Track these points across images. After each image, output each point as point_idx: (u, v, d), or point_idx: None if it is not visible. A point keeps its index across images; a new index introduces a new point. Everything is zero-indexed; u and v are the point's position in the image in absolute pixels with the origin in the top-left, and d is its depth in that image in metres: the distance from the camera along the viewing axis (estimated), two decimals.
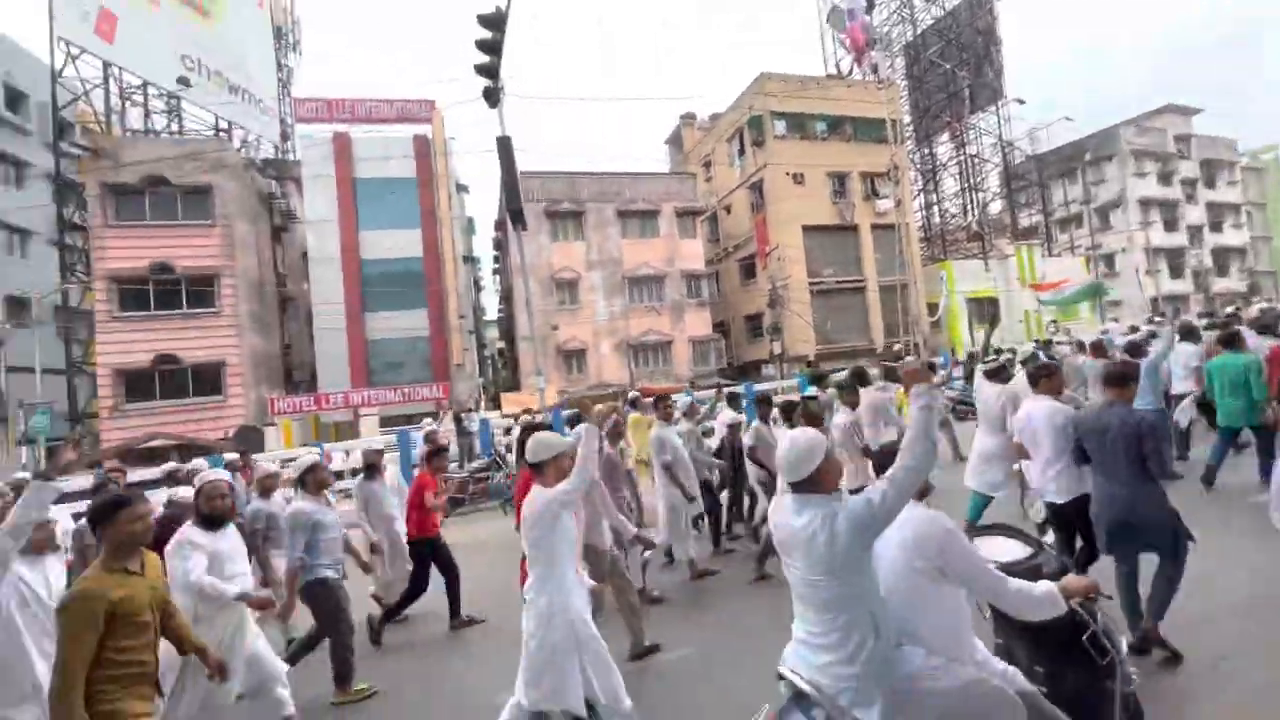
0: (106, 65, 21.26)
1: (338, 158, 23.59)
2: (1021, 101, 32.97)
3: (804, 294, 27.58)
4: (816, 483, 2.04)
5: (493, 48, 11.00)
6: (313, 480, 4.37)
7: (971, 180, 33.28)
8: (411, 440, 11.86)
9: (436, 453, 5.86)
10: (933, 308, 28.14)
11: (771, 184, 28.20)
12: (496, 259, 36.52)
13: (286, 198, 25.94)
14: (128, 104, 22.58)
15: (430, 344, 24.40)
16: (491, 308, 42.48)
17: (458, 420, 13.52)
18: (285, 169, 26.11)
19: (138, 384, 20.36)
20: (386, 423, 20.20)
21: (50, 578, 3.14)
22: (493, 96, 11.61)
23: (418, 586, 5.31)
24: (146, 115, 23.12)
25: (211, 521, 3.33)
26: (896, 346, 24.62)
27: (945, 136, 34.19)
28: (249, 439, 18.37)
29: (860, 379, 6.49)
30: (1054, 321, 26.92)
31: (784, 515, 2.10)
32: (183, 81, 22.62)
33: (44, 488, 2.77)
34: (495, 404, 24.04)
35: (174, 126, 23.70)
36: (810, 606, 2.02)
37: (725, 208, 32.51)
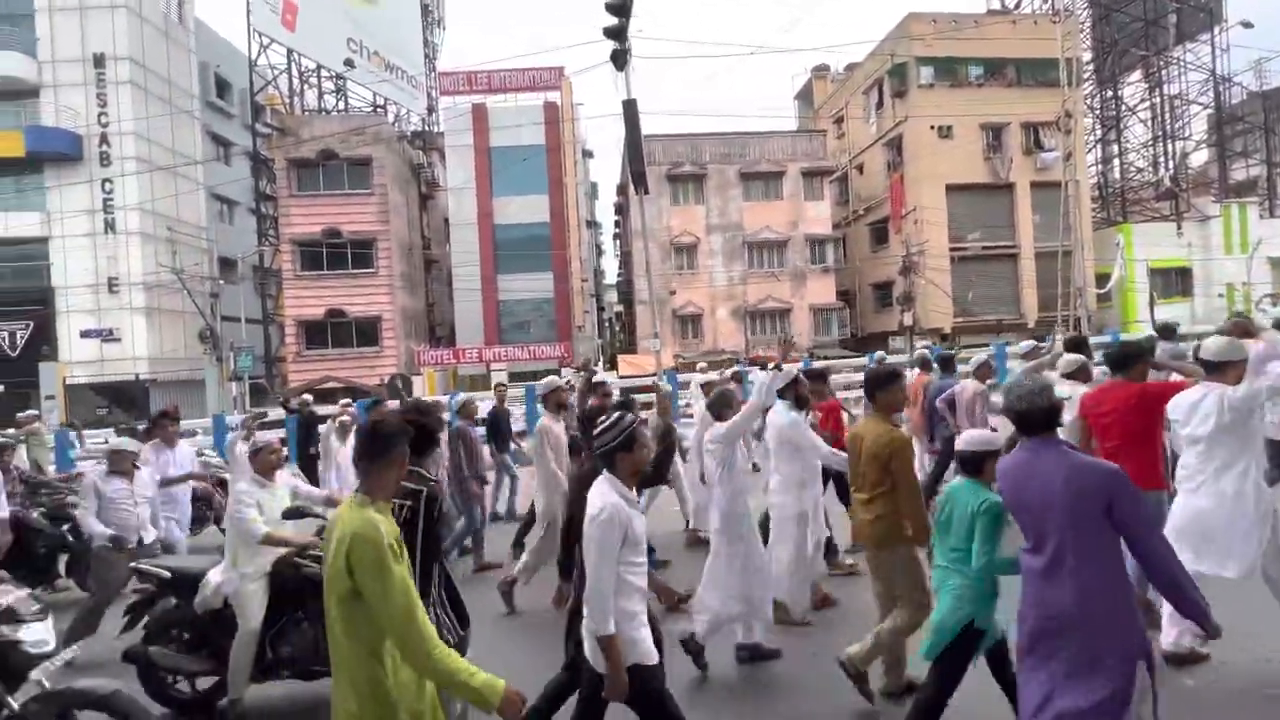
0: (289, 52, 24.13)
1: (475, 127, 25.08)
2: (1248, 25, 26.85)
3: (943, 261, 25.23)
4: None
5: (621, 8, 10.99)
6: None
7: (1168, 127, 28.06)
8: (537, 394, 12.73)
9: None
10: (1103, 279, 24.47)
11: (913, 138, 25.77)
12: (617, 223, 37.20)
13: (431, 167, 28.17)
14: (305, 86, 25.55)
15: (554, 305, 25.65)
16: (611, 271, 43.57)
17: (589, 375, 14.09)
18: (431, 140, 28.28)
19: (314, 334, 23.66)
20: (514, 378, 21.74)
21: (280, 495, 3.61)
22: (620, 59, 11.64)
23: None
24: (320, 96, 26.05)
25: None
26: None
27: (1136, 75, 28.98)
28: (400, 386, 20.75)
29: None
30: (1271, 295, 22.29)
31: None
32: (348, 63, 25.13)
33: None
34: (612, 365, 24.89)
35: (340, 105, 26.49)
36: None
37: (857, 167, 30.32)
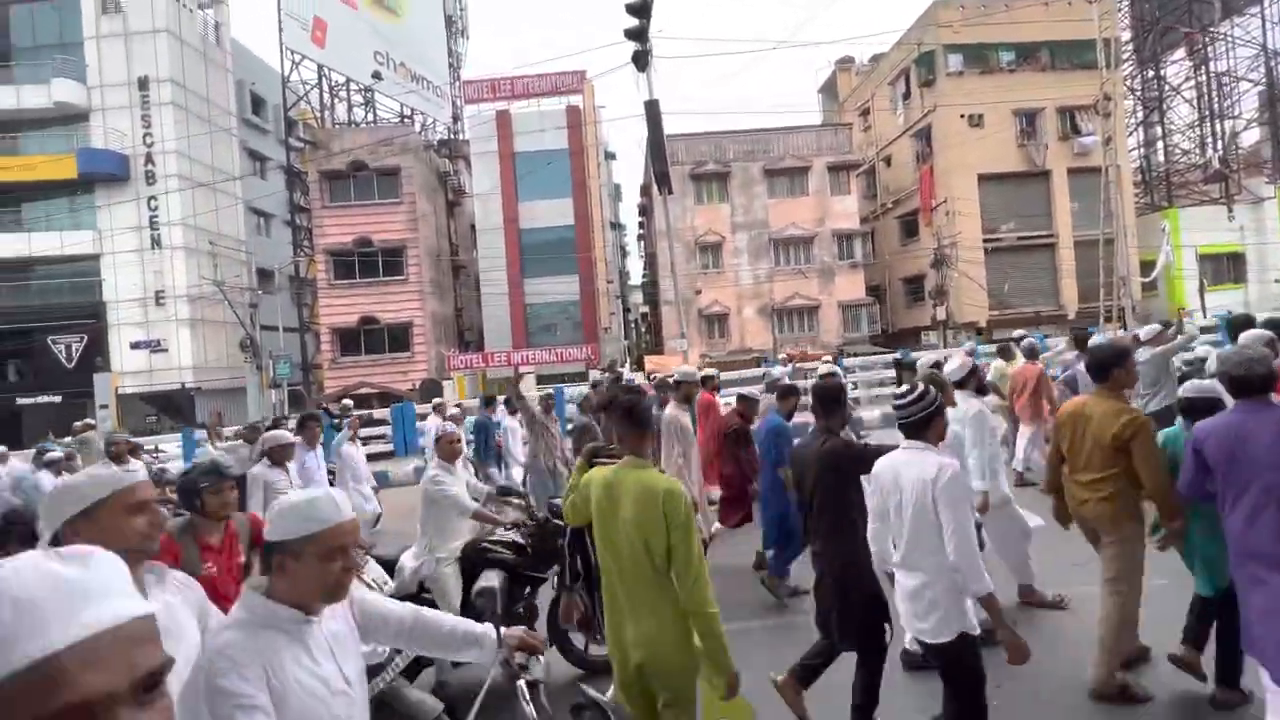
0: (320, 68, 24.83)
1: (500, 134, 25.41)
2: None
3: (977, 252, 24.57)
4: None
5: (641, 9, 11.00)
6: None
7: (1216, 106, 26.81)
8: (566, 395, 12.84)
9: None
10: (1147, 266, 23.49)
11: (942, 128, 25.17)
12: (641, 224, 37.21)
13: (458, 174, 28.63)
14: (335, 100, 26.25)
15: (580, 308, 25.80)
16: (636, 272, 43.61)
17: (617, 377, 14.13)
18: (456, 148, 28.75)
19: (348, 340, 24.27)
20: (542, 380, 21.94)
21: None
22: (641, 60, 11.67)
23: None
24: (349, 109, 26.73)
25: None
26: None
27: (1180, 53, 27.78)
28: (431, 390, 21.13)
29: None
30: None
31: None
32: (376, 76, 25.73)
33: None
34: (639, 366, 24.91)
35: (369, 117, 27.14)
36: None
37: (884, 159, 29.75)
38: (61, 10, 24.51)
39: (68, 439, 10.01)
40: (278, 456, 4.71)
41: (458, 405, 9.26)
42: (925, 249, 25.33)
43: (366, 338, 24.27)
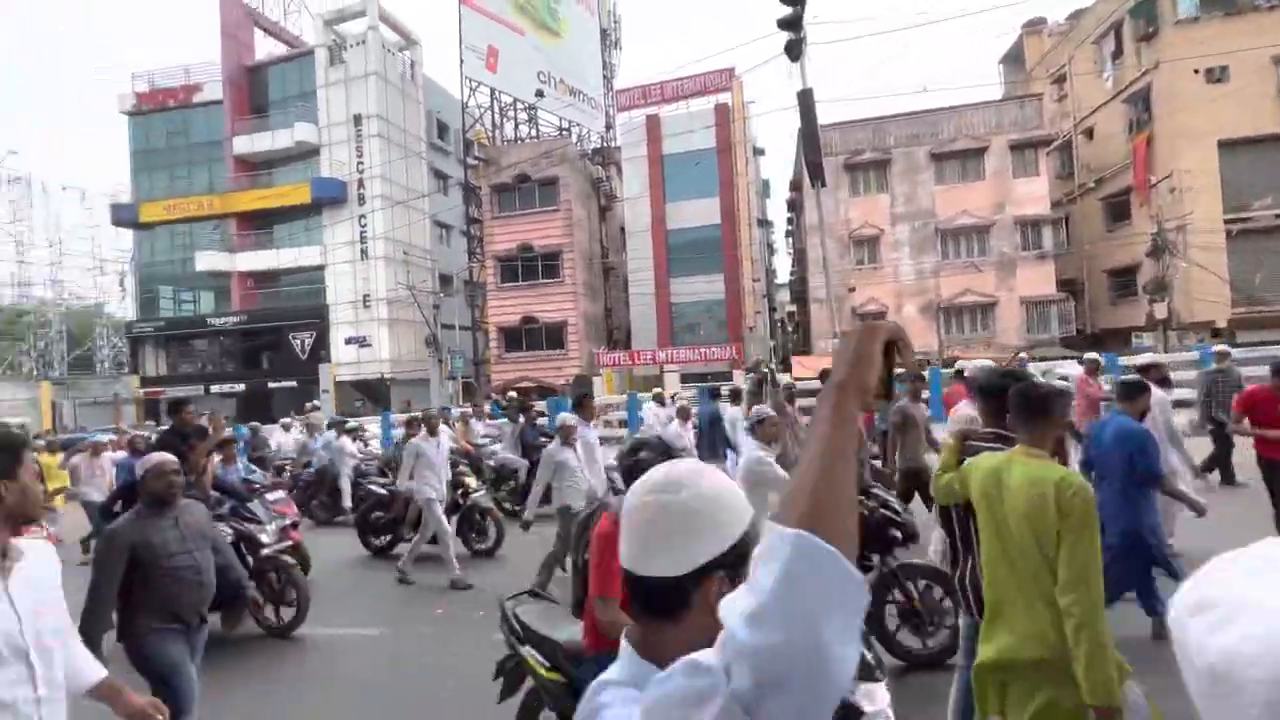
0: (492, 91, 27.50)
1: (649, 138, 26.11)
2: None
3: (1215, 237, 20.12)
4: None
5: None
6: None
7: None
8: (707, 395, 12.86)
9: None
10: None
11: (1167, 88, 20.96)
12: (790, 220, 35.95)
13: (609, 180, 29.96)
14: (504, 119, 28.89)
15: (725, 307, 25.62)
16: (783, 270, 42.23)
17: (769, 376, 13.72)
18: (609, 155, 30.12)
19: (511, 338, 26.59)
20: (685, 379, 22.14)
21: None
22: (794, 49, 11.23)
23: None
24: (515, 126, 29.23)
25: None
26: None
27: None
28: (582, 386, 22.38)
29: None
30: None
31: None
32: (539, 94, 27.87)
33: None
34: (785, 366, 24.07)
35: (532, 132, 29.45)
36: None
37: (1084, 132, 25.52)
38: (301, 66, 29.95)
39: (300, 416, 12.42)
40: (566, 437, 5.23)
41: (673, 396, 9.69)
42: (1140, 235, 21.27)
43: (527, 336, 26.41)
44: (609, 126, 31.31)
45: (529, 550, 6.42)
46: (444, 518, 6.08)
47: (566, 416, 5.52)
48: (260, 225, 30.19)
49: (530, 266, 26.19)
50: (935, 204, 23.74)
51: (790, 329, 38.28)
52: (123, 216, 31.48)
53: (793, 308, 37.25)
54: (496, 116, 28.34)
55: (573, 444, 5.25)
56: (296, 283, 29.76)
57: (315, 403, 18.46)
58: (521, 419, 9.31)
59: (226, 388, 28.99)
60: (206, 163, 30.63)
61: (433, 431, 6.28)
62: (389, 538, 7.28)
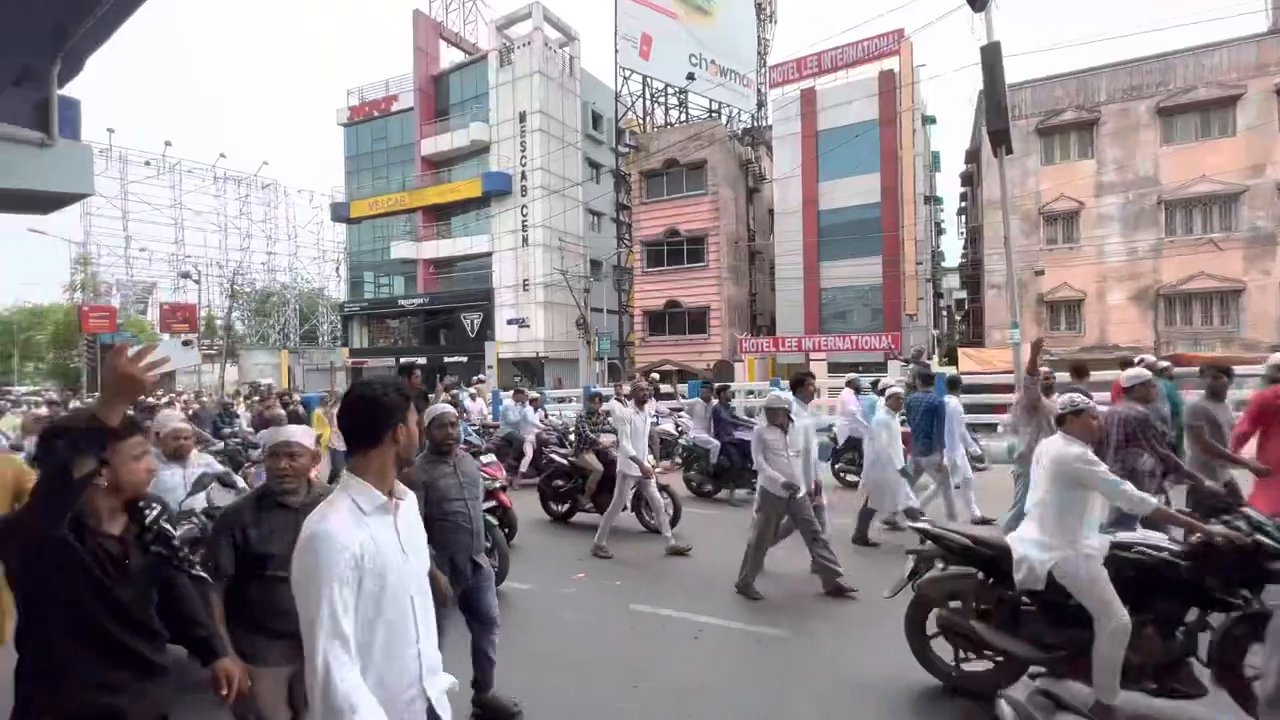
0: (644, 78, 27.94)
1: (803, 114, 24.78)
2: None
3: None
4: None
5: None
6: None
7: None
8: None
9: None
10: None
11: None
12: (963, 197, 32.16)
13: (758, 161, 29.07)
14: (655, 105, 29.25)
15: (881, 292, 23.71)
16: (952, 252, 37.97)
17: (921, 370, 12.53)
18: (759, 135, 29.20)
19: (655, 322, 27.12)
20: (833, 368, 20.94)
21: None
22: None
23: None
24: (665, 111, 29.46)
25: None
26: None
27: None
28: (723, 371, 22.19)
29: None
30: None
31: None
32: (690, 77, 27.76)
33: None
34: (950, 359, 21.74)
35: (681, 116, 29.47)
36: None
37: None
38: (476, 71, 32.88)
39: (471, 388, 13.92)
40: (774, 419, 4.84)
41: (874, 383, 9.17)
42: None
43: (670, 320, 26.75)
44: (760, 105, 30.30)
45: (701, 530, 6.68)
46: (627, 495, 6.17)
47: (779, 396, 5.01)
48: (440, 217, 33.94)
49: (676, 251, 26.40)
50: (1159, 169, 19.66)
51: (959, 318, 34.42)
52: (339, 214, 37.31)
53: (963, 294, 33.40)
54: (647, 103, 28.78)
55: (782, 425, 4.84)
56: (468, 268, 33.08)
57: (481, 376, 20.69)
58: (715, 399, 9.19)
59: (412, 360, 33.34)
60: (400, 164, 35.04)
61: (641, 403, 6.22)
62: (568, 505, 7.50)
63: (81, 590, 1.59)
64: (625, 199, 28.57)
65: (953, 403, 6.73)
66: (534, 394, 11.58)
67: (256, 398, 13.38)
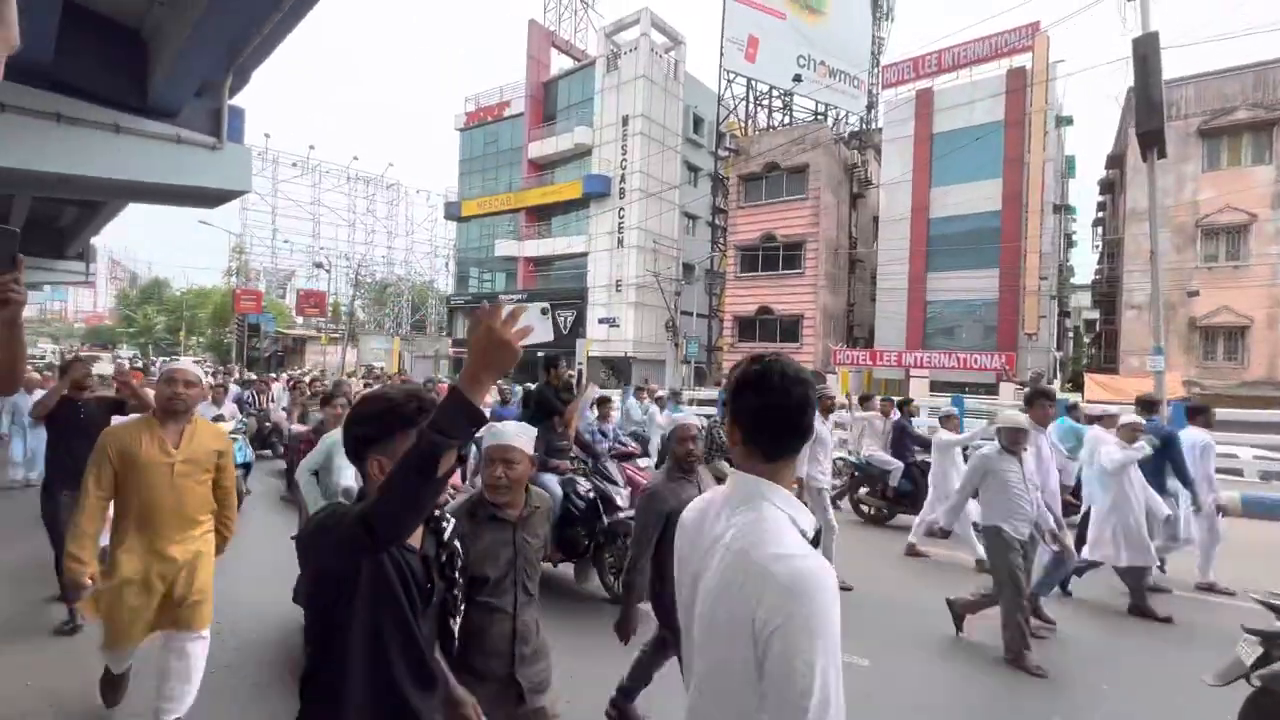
0: (749, 82, 27.56)
1: (918, 116, 23.40)
2: None
3: None
4: None
5: None
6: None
7: None
8: (965, 407, 11.12)
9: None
10: None
11: None
12: (1101, 206, 28.98)
13: (865, 165, 27.79)
14: (758, 108, 28.77)
15: (997, 308, 21.87)
16: (1084, 269, 34.23)
17: (1044, 393, 11.25)
18: (868, 138, 27.91)
19: (745, 328, 26.66)
20: (936, 387, 19.56)
21: None
22: None
23: None
24: (769, 114, 28.90)
25: None
26: None
27: None
28: (816, 382, 21.37)
29: None
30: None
31: None
32: (796, 79, 27.04)
33: None
34: (1075, 385, 19.67)
35: (785, 120, 28.77)
36: None
37: None
38: (584, 76, 33.93)
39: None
40: (1012, 442, 3.96)
41: (1073, 406, 8.12)
42: None
43: (761, 326, 26.19)
44: (870, 106, 28.96)
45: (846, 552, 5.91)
46: (830, 507, 5.45)
47: (1013, 416, 4.05)
48: (541, 218, 35.34)
49: (771, 256, 25.80)
50: None
51: (1088, 340, 31.04)
52: (451, 212, 39.89)
53: (1094, 314, 30.08)
54: (750, 106, 28.36)
55: (1019, 452, 3.97)
56: (565, 267, 34.19)
57: (572, 373, 21.30)
58: (897, 413, 8.05)
59: (555, 353, 34.98)
60: (509, 166, 36.87)
61: (825, 412, 5.54)
62: None
63: (383, 622, 1.18)
64: (722, 203, 28.32)
65: (1201, 436, 5.49)
66: (661, 392, 11.45)
67: (371, 379, 14.62)
